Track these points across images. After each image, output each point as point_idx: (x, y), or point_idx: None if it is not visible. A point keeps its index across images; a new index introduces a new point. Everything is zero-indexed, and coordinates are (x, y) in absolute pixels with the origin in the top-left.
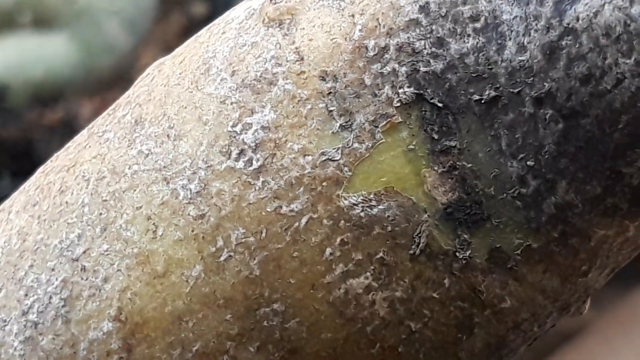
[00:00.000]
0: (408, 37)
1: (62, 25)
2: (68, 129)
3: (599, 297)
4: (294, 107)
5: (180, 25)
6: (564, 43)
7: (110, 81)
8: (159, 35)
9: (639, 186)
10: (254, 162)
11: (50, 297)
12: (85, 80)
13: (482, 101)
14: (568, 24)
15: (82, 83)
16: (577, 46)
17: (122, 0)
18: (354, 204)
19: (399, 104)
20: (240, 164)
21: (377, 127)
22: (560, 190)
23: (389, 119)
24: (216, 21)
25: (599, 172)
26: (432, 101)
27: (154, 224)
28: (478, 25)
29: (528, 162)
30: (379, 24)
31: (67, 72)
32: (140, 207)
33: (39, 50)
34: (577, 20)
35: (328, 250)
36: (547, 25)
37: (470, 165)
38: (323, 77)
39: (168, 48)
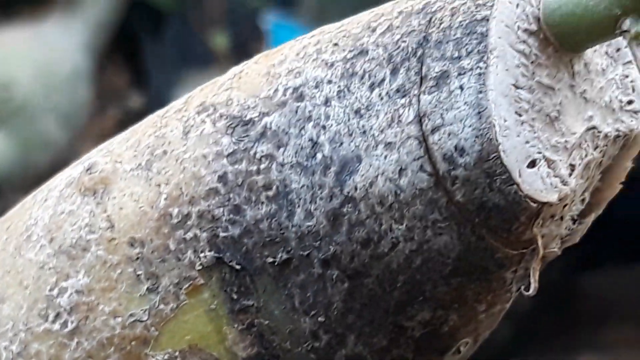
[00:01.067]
0: (208, 205)
1: None
2: None
3: None
4: (105, 271)
5: (116, 119)
6: (345, 210)
7: (47, 176)
8: (95, 129)
9: (421, 338)
10: (69, 324)
11: None
12: (22, 176)
13: (276, 263)
14: (348, 193)
15: (19, 179)
16: (356, 213)
17: (58, 96)
18: None
19: (200, 267)
20: (56, 326)
21: (181, 289)
22: (349, 344)
23: (192, 282)
24: (41, 187)
25: (383, 326)
26: (230, 264)
27: None
28: (270, 193)
29: (319, 318)
30: (182, 193)
31: (4, 169)
32: None
33: None
34: (356, 189)
35: None
36: (330, 194)
37: (267, 322)
38: (131, 243)
39: (104, 141)
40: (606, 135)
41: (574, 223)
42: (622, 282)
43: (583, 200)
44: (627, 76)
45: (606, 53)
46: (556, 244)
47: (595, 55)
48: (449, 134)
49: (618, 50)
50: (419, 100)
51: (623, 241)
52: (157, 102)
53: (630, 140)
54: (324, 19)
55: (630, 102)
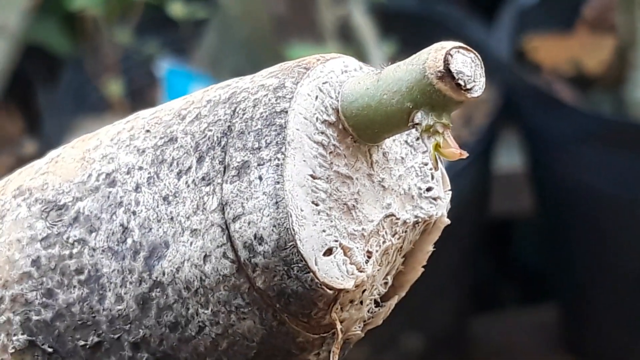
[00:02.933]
0: (21, 289)
1: None
2: None
3: None
4: None
5: (9, 165)
6: (153, 294)
7: None
8: None
9: None
10: None
11: None
12: None
13: (87, 346)
14: (156, 278)
15: None
16: (164, 297)
17: None
18: None
19: (13, 351)
20: None
21: None
22: None
23: None
24: None
25: None
26: (43, 347)
27: None
28: (82, 277)
29: None
30: None
31: None
32: None
33: None
34: (164, 274)
35: None
36: (140, 278)
37: None
38: None
39: None
40: (405, 222)
41: (377, 306)
42: (515, 325)
43: (386, 283)
44: (426, 164)
45: (406, 142)
46: (358, 327)
47: (395, 144)
48: (249, 223)
49: (418, 138)
50: (222, 189)
51: (516, 284)
52: (50, 148)
53: (431, 225)
54: (217, 66)
55: (429, 189)
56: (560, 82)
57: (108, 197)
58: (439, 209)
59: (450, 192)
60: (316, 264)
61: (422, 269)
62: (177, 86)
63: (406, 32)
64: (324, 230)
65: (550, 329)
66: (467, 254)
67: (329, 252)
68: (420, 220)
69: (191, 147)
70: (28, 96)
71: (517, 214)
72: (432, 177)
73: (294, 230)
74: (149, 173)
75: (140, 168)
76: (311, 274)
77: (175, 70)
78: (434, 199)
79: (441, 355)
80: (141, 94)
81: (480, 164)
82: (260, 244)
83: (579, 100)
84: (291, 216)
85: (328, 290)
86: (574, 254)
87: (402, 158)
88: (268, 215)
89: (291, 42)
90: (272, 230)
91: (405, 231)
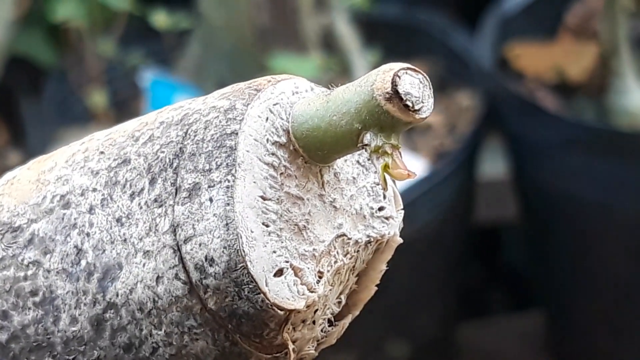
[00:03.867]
0: None
1: None
2: None
3: None
4: None
5: None
6: (107, 316)
7: None
8: None
9: None
10: None
11: None
12: None
13: None
14: (110, 299)
15: None
16: (118, 319)
17: None
18: None
19: None
20: None
21: None
22: None
23: None
24: None
25: None
26: None
27: None
28: (37, 299)
29: None
30: None
31: None
32: None
33: None
34: (117, 295)
35: None
36: (94, 300)
37: None
38: None
39: None
40: (357, 242)
41: (330, 325)
42: (502, 332)
43: (339, 302)
44: (378, 184)
45: (357, 162)
46: (312, 346)
47: (347, 164)
48: (200, 245)
49: (369, 159)
50: (174, 211)
51: (504, 291)
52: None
53: (384, 245)
54: (201, 76)
55: (381, 209)
56: (543, 90)
57: (62, 218)
58: (392, 228)
59: (402, 211)
60: (267, 285)
61: (376, 288)
62: (161, 96)
63: (390, 41)
64: (274, 251)
65: (537, 335)
66: (453, 261)
67: (279, 272)
68: (372, 239)
69: (144, 168)
70: (12, 107)
71: (502, 221)
72: (384, 197)
73: (244, 251)
74: (103, 195)
75: (94, 190)
76: (262, 294)
77: (159, 80)
78: (386, 218)
79: None
80: (125, 105)
81: (464, 172)
82: (211, 266)
83: (562, 107)
84: (241, 237)
85: (279, 311)
86: (558, 260)
87: (354, 178)
88: (218, 237)
89: (275, 52)
90: (223, 251)
91: (358, 251)
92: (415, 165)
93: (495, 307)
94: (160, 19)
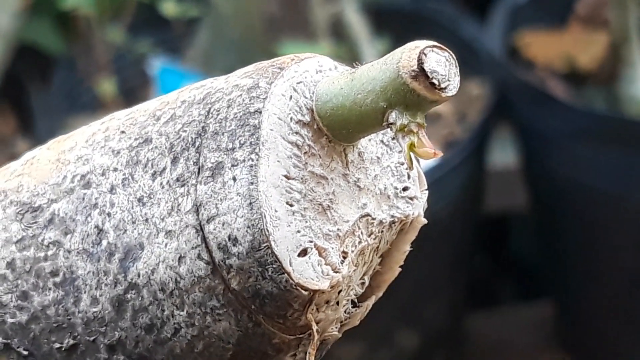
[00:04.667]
0: None
1: None
2: None
3: None
4: None
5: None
6: (129, 296)
7: None
8: None
9: None
10: None
11: None
12: None
13: (63, 349)
14: (131, 280)
15: None
16: (140, 299)
17: None
18: None
19: None
20: None
21: None
22: None
23: None
24: None
25: None
26: (18, 350)
27: None
28: (57, 279)
29: None
30: None
31: None
32: None
33: None
34: (139, 276)
35: None
36: (115, 280)
37: None
38: None
39: None
40: (381, 222)
41: (354, 306)
42: (511, 322)
43: (363, 283)
44: (402, 163)
45: (382, 141)
46: (335, 328)
47: (371, 143)
48: (223, 224)
49: (394, 138)
50: (196, 190)
51: (513, 281)
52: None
53: (407, 225)
54: (210, 65)
55: (405, 189)
56: (554, 79)
57: (83, 198)
58: (416, 208)
59: (427, 192)
60: (291, 265)
61: (400, 269)
62: (170, 85)
63: (399, 30)
64: (298, 231)
65: (546, 325)
66: (462, 251)
67: (303, 252)
68: (396, 220)
69: (166, 148)
70: (21, 96)
71: (511, 211)
72: (409, 177)
73: (268, 231)
74: (124, 174)
75: (115, 169)
76: (286, 275)
77: (168, 69)
78: (411, 198)
79: (436, 352)
80: (134, 93)
81: (474, 161)
82: (234, 245)
83: (572, 96)
84: (265, 217)
85: (303, 291)
86: (567, 250)
87: (378, 158)
88: (242, 216)
89: (284, 40)
90: (246, 231)
91: (382, 231)
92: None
93: (504, 296)
94: (169, 7)
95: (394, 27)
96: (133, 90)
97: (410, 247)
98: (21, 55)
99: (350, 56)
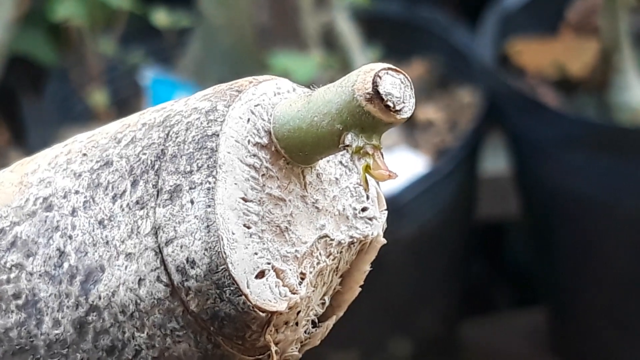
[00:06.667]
0: None
1: None
2: None
3: None
4: None
5: None
6: (90, 318)
7: None
8: None
9: None
10: None
11: None
12: None
13: None
14: (93, 302)
15: None
16: (101, 321)
17: None
18: None
19: None
20: None
21: None
22: None
23: None
24: None
25: None
26: None
27: None
28: (20, 302)
29: None
30: None
31: None
32: None
33: None
34: (100, 298)
35: None
36: (77, 303)
37: None
38: None
39: None
40: (340, 243)
41: (314, 326)
42: (505, 329)
43: (323, 304)
44: (361, 184)
45: (340, 162)
46: (295, 348)
47: (329, 165)
48: (181, 247)
49: (351, 159)
50: (155, 213)
51: (509, 287)
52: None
53: (367, 245)
54: (202, 75)
55: (364, 210)
56: (545, 86)
57: (45, 221)
58: (375, 228)
59: (386, 212)
60: (248, 287)
61: (360, 289)
62: (162, 95)
63: (391, 38)
64: (255, 253)
65: (540, 332)
66: (455, 258)
67: (261, 274)
68: (355, 240)
69: (126, 170)
70: (13, 107)
71: (504, 218)
72: (368, 197)
73: (225, 253)
74: (85, 197)
75: (77, 192)
76: (243, 297)
77: (160, 79)
78: (370, 219)
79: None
80: (126, 104)
81: (466, 169)
82: (192, 268)
83: (563, 104)
84: (222, 240)
85: (261, 313)
86: (559, 257)
87: (337, 179)
88: (199, 239)
89: (275, 50)
90: (204, 253)
91: (341, 252)
92: (416, 162)
93: (498, 304)
94: (161, 17)
95: (386, 36)
96: (125, 101)
97: (371, 267)
98: (14, 66)
99: (342, 65)
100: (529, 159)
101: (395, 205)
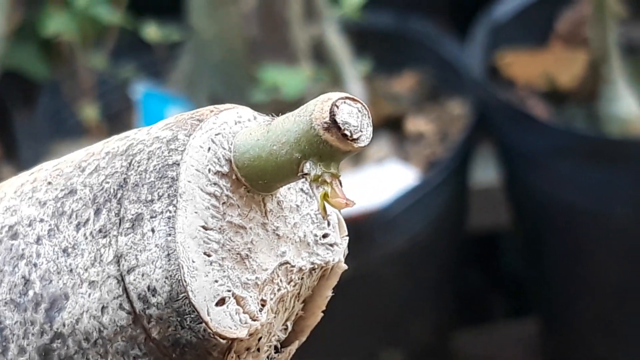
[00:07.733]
0: None
1: None
2: None
3: None
4: None
5: None
6: (55, 346)
7: None
8: None
9: None
10: None
11: None
12: None
13: None
14: (57, 329)
15: None
16: (65, 348)
17: None
18: None
19: None
20: None
21: None
22: None
23: None
24: None
25: None
26: None
27: None
28: None
29: None
30: None
31: None
32: None
33: None
34: (64, 326)
35: None
36: (41, 330)
37: None
38: None
39: None
40: (300, 269)
41: (276, 352)
42: (499, 338)
43: (285, 329)
44: None
45: (301, 189)
46: None
47: (290, 192)
48: (143, 275)
49: (310, 187)
50: (117, 241)
51: (503, 297)
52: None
53: (328, 271)
54: (193, 88)
55: (325, 236)
56: (534, 97)
57: (10, 249)
58: (336, 254)
59: (347, 238)
60: (208, 315)
61: (322, 314)
62: (154, 109)
63: (381, 50)
64: (216, 281)
65: (534, 341)
66: (447, 269)
67: (221, 302)
68: (316, 266)
69: (89, 199)
70: (5, 121)
71: (496, 228)
72: (329, 224)
73: (185, 281)
74: (50, 225)
75: (42, 220)
76: (204, 324)
77: (151, 93)
78: (331, 245)
79: None
80: (118, 118)
81: (456, 180)
82: (153, 296)
83: (552, 115)
84: (182, 268)
85: (221, 340)
86: (552, 266)
87: (298, 206)
88: (160, 267)
89: (265, 63)
90: (165, 282)
91: (302, 278)
92: (407, 174)
93: (491, 313)
94: (152, 31)
95: (376, 48)
96: (117, 115)
97: (333, 292)
98: (5, 80)
99: (332, 78)
100: (520, 170)
101: (386, 217)
